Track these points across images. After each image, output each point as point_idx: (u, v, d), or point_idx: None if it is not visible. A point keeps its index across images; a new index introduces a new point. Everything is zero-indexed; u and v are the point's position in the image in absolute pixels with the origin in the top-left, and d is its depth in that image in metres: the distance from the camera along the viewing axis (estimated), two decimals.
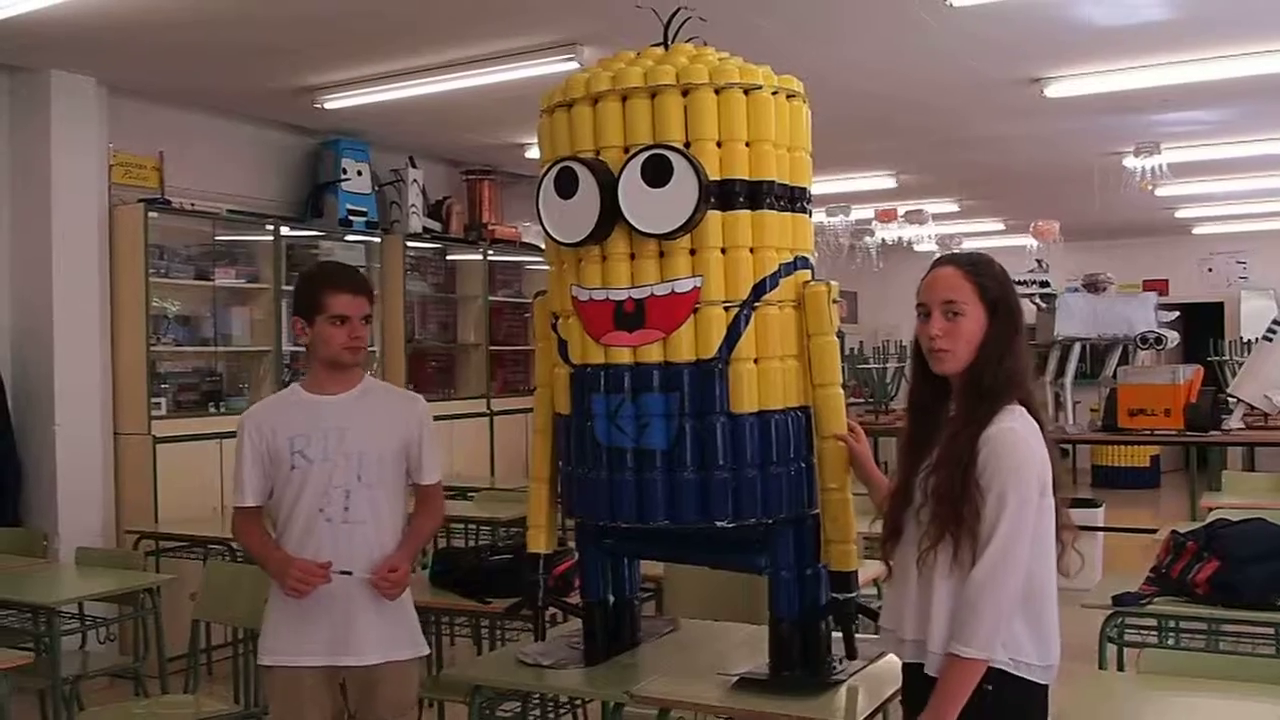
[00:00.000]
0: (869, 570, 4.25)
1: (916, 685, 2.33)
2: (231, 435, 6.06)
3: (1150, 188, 8.13)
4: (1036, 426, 2.29)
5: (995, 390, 2.28)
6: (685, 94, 2.69)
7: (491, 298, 8.28)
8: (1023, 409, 2.29)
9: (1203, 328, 11.86)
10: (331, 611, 3.01)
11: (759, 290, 2.72)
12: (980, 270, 2.37)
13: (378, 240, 7.45)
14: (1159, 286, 12.34)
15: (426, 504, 3.22)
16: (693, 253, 2.70)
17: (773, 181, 2.75)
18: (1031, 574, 2.21)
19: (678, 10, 2.87)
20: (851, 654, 2.79)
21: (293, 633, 3.04)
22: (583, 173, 2.71)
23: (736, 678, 2.74)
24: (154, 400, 6.10)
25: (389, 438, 3.12)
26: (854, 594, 2.76)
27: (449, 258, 8.27)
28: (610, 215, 2.68)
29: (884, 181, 9.20)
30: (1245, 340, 10.95)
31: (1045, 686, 2.27)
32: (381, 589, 2.99)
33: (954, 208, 10.56)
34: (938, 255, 2.54)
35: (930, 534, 2.23)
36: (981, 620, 2.16)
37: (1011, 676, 2.21)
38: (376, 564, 3.02)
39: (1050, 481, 2.27)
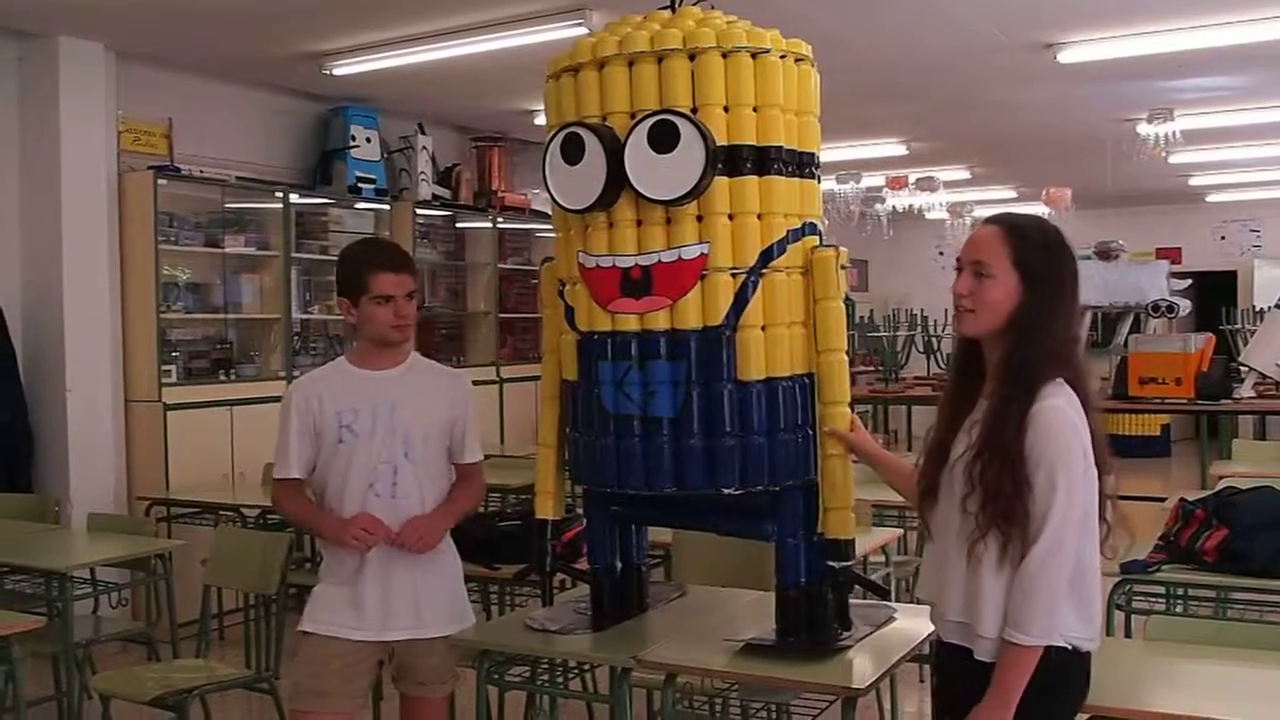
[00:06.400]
0: (875, 538, 4.26)
1: (955, 665, 2.30)
2: (241, 402, 6.30)
3: (1163, 155, 8.06)
4: (1080, 402, 2.21)
5: (1035, 369, 2.19)
6: (692, 58, 2.66)
7: (501, 265, 8.28)
8: (1066, 384, 2.20)
9: (1215, 296, 11.80)
10: (371, 587, 3.02)
11: (766, 256, 2.70)
12: (1021, 234, 2.25)
13: (387, 207, 7.44)
14: (1171, 255, 12.27)
15: (467, 480, 3.20)
16: (700, 219, 2.68)
17: (780, 147, 2.72)
18: (1078, 550, 2.17)
19: None
20: (845, 624, 2.78)
21: (334, 605, 3.05)
22: (589, 138, 2.69)
23: (743, 643, 2.75)
24: (164, 368, 6.12)
25: (435, 416, 3.11)
26: (849, 562, 2.73)
27: (458, 225, 8.26)
28: (617, 181, 2.67)
29: (895, 148, 9.14)
30: (1257, 309, 10.92)
31: (1089, 654, 2.25)
32: (409, 544, 2.98)
33: (965, 175, 10.51)
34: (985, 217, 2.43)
35: (980, 525, 2.18)
36: (1038, 607, 2.14)
37: (1058, 649, 2.19)
38: None
39: (1093, 456, 2.20)
